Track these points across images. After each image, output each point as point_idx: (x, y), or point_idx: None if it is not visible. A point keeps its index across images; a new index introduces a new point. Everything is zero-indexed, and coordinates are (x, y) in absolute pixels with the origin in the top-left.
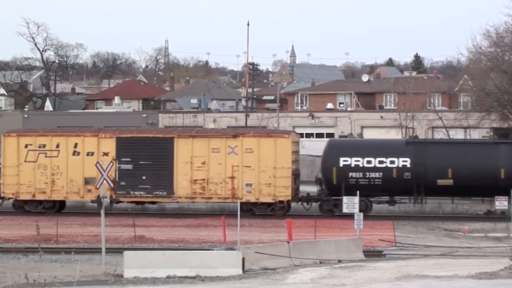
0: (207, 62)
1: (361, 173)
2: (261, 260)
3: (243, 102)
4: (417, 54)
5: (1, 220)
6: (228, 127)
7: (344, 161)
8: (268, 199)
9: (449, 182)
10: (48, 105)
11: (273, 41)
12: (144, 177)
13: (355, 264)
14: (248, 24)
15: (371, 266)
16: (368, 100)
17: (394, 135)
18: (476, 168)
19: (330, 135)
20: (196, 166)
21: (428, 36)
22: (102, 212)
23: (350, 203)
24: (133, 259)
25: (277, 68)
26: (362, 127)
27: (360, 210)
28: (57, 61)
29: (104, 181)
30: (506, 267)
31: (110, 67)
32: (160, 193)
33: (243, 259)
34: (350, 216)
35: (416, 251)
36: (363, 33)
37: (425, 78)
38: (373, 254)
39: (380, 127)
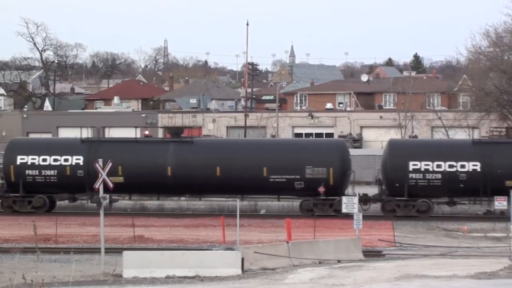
0: (206, 62)
1: (37, 171)
2: (260, 260)
3: (243, 102)
4: (416, 54)
5: (0, 220)
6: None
7: (21, 159)
8: None
9: (120, 179)
10: (47, 105)
11: (273, 41)
12: None
13: (354, 264)
14: (247, 24)
15: (370, 266)
16: (367, 100)
17: (394, 135)
18: (145, 166)
19: (329, 135)
20: None
21: (427, 36)
22: (101, 212)
23: (349, 203)
24: (132, 259)
25: (276, 68)
26: (362, 127)
27: (38, 208)
28: (56, 61)
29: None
30: (505, 267)
31: (109, 67)
32: None
33: (242, 259)
34: (349, 216)
35: (415, 251)
36: (363, 33)
37: (425, 78)
38: (372, 254)
39: (379, 127)
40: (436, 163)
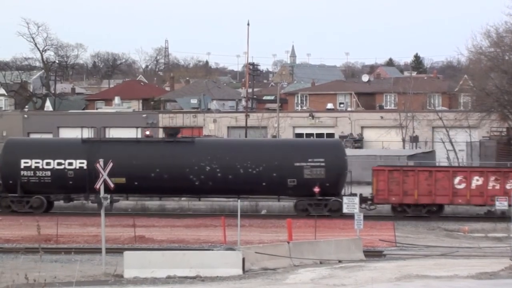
0: (207, 62)
1: None
2: (261, 260)
3: (243, 102)
4: (417, 54)
5: (1, 220)
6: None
7: None
8: None
9: None
10: (48, 105)
11: (273, 41)
12: None
13: (355, 264)
14: (248, 24)
15: (371, 266)
16: (368, 100)
17: (394, 135)
18: None
19: (330, 135)
20: None
21: (428, 36)
22: (102, 212)
23: (350, 203)
24: (133, 259)
25: (277, 68)
26: (362, 127)
27: None
28: (57, 61)
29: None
30: (506, 267)
31: (110, 67)
32: None
33: (243, 259)
34: (350, 216)
35: (416, 251)
36: (363, 33)
37: (425, 78)
38: (373, 254)
39: (380, 127)
40: (46, 161)
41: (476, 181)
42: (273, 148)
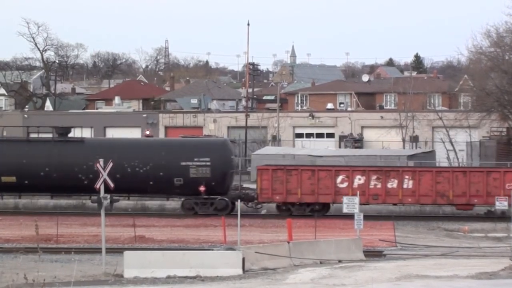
0: (207, 62)
1: None
2: (261, 260)
3: (243, 102)
4: (417, 54)
5: (1, 220)
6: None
7: None
8: None
9: None
10: (48, 105)
11: (273, 41)
12: None
13: (355, 264)
14: (248, 24)
15: (371, 266)
16: (368, 100)
17: (395, 135)
18: None
19: (330, 135)
20: None
21: (428, 36)
22: (102, 212)
23: (350, 203)
24: (133, 259)
25: (277, 68)
26: (362, 127)
27: None
28: (57, 61)
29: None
30: (506, 267)
31: (110, 67)
32: None
33: (243, 259)
34: (350, 216)
35: (416, 251)
36: (363, 33)
37: (425, 78)
38: (373, 254)
39: (380, 127)
40: None
41: (358, 180)
42: (160, 147)
